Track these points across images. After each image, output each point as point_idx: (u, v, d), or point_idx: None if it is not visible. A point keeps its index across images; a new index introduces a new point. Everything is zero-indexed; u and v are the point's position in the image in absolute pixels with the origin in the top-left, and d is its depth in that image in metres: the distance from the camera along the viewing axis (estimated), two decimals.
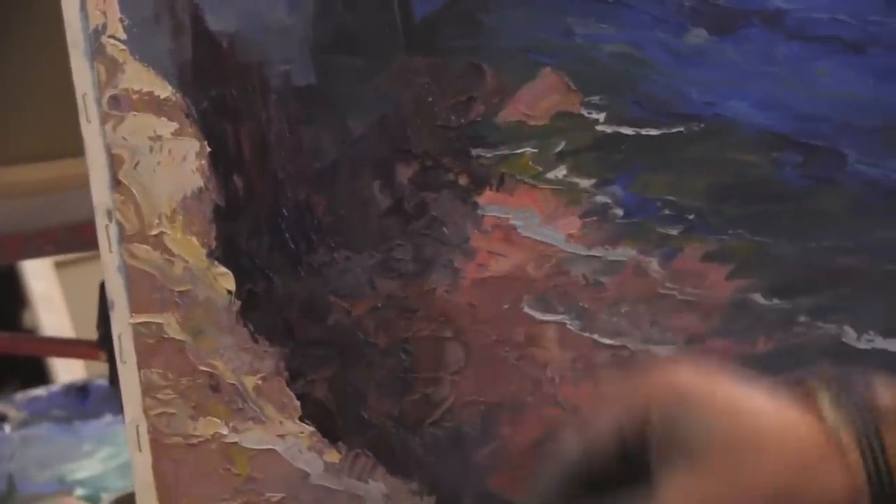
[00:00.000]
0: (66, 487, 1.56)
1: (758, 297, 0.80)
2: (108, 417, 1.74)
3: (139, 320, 0.64)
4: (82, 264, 2.37)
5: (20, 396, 1.81)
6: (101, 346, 1.23)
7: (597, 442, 0.53)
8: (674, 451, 0.50)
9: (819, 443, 0.50)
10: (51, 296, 2.44)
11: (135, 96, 0.63)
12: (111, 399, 1.75)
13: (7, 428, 1.72)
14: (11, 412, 1.76)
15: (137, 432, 0.64)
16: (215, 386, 0.65)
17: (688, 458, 0.50)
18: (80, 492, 1.55)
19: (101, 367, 1.80)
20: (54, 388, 1.89)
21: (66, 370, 2.24)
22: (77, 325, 2.33)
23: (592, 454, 0.53)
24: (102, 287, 1.24)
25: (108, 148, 0.63)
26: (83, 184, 1.23)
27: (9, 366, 2.06)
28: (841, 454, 0.50)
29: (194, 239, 0.65)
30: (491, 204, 0.72)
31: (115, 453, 1.64)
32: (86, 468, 1.62)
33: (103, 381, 1.81)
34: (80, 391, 1.83)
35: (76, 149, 1.22)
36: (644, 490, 0.51)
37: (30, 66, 1.16)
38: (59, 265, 2.48)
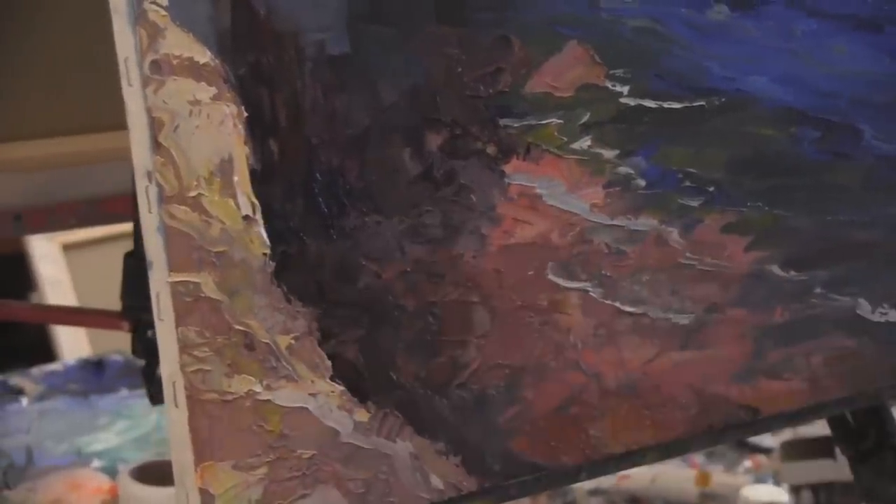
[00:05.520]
0: (83, 459, 1.58)
1: (775, 269, 0.82)
2: (124, 391, 1.76)
3: (177, 279, 0.65)
4: (90, 248, 2.38)
5: (36, 371, 1.82)
6: (125, 316, 1.24)
7: None
8: None
9: None
10: (59, 279, 2.45)
11: (175, 61, 0.64)
12: (126, 374, 1.77)
13: (24, 401, 1.74)
14: (28, 386, 1.77)
15: (174, 388, 0.65)
16: (250, 344, 0.66)
17: None
18: (96, 463, 1.56)
19: (109, 343, 1.82)
20: (70, 362, 1.91)
21: (72, 349, 2.25)
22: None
23: None
24: (127, 258, 1.26)
25: (148, 111, 0.64)
26: (106, 158, 1.24)
27: (15, 344, 2.07)
28: None
29: (231, 201, 0.66)
30: (517, 172, 0.74)
31: (131, 426, 1.65)
32: (102, 441, 1.63)
33: (118, 357, 1.83)
34: (95, 366, 1.84)
35: (98, 124, 1.23)
36: None
37: (62, 41, 1.17)
38: (66, 248, 2.48)
